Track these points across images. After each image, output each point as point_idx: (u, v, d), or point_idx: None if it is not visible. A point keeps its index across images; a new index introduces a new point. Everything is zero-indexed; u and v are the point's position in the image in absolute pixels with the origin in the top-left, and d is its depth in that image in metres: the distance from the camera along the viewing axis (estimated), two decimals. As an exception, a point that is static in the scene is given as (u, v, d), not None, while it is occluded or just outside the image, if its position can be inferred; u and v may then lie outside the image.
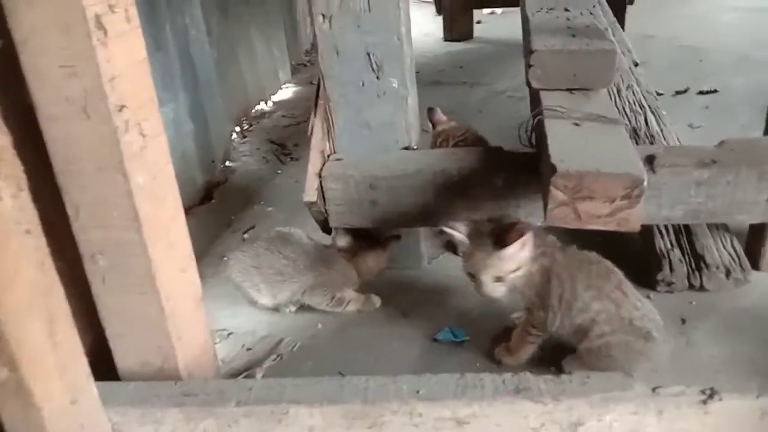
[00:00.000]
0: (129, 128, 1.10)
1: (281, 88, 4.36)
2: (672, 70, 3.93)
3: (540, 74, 1.88)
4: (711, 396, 1.09)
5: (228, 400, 1.15)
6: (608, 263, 1.58)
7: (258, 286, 1.92)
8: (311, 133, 1.96)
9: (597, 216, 1.45)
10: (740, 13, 5.22)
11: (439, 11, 5.35)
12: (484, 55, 4.71)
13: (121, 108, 1.07)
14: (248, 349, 1.85)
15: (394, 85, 1.88)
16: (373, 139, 1.96)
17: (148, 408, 1.17)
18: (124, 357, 1.29)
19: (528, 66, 1.89)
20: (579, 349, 1.56)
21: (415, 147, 1.99)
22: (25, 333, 0.89)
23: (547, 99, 1.82)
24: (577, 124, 1.69)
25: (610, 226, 1.47)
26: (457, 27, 5.12)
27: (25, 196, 0.88)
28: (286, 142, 3.44)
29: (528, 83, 1.92)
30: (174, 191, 1.28)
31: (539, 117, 1.75)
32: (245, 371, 1.73)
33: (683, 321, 1.80)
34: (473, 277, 1.59)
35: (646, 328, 1.49)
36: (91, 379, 1.08)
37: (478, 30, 5.28)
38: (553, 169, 1.43)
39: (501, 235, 1.52)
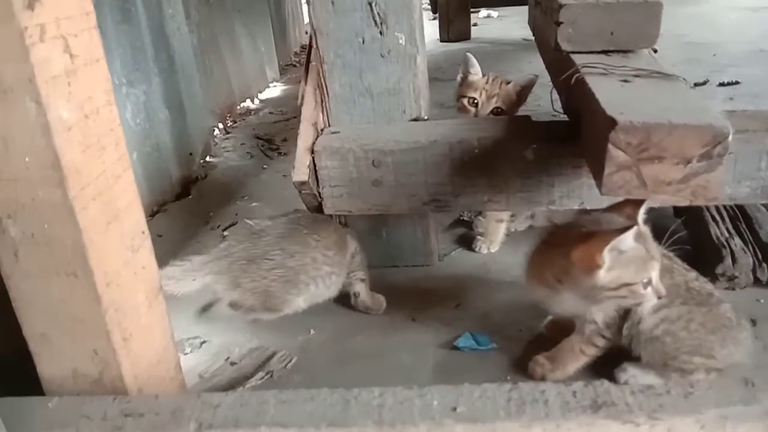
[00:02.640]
0: (45, 38, 0.78)
1: (269, 86, 4.08)
2: (687, 64, 3.68)
3: (572, 33, 1.59)
4: None
5: (185, 423, 0.81)
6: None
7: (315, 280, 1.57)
8: (301, 102, 1.64)
9: (667, 183, 1.14)
10: (744, 12, 5.10)
11: (435, 12, 5.12)
12: (482, 54, 4.42)
13: (32, 3, 0.75)
14: (233, 363, 1.51)
15: (400, 41, 1.57)
16: (376, 108, 1.65)
17: (74, 435, 0.83)
18: (49, 364, 0.95)
19: (556, 24, 1.59)
20: (637, 346, 1.25)
21: (426, 117, 1.67)
22: None
23: (582, 62, 1.52)
24: (626, 81, 1.39)
25: (683, 197, 1.16)
26: (454, 28, 4.93)
27: None
28: (274, 137, 3.13)
29: (556, 47, 1.63)
30: (119, 142, 0.95)
31: (577, 75, 1.45)
32: (229, 390, 1.39)
33: (753, 322, 1.48)
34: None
35: (706, 290, 1.24)
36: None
37: (474, 32, 5.11)
38: (611, 123, 1.12)
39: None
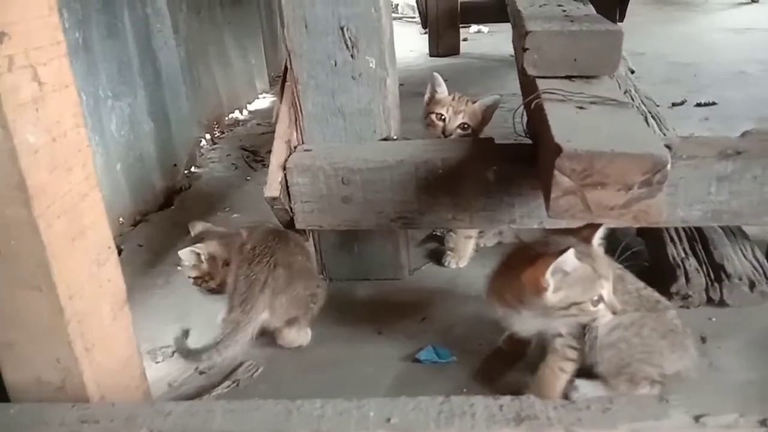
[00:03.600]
0: (13, 68, 0.84)
1: (258, 98, 4.14)
2: (666, 83, 3.77)
3: (537, 59, 1.66)
4: (771, 427, 0.83)
5: (136, 429, 0.87)
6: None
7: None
8: (276, 121, 1.71)
9: (610, 207, 1.21)
10: (726, 33, 5.19)
11: (425, 26, 5.20)
12: (470, 69, 4.55)
13: (1, 37, 0.81)
14: (201, 372, 1.57)
15: (371, 65, 1.64)
16: (347, 127, 1.71)
17: (33, 439, 0.89)
18: (14, 371, 1.01)
19: (522, 50, 1.66)
20: (593, 354, 1.31)
21: (395, 137, 1.74)
22: None
23: (545, 87, 1.59)
24: (582, 108, 1.45)
25: (626, 220, 1.22)
26: (444, 43, 4.99)
27: None
28: (260, 149, 3.18)
29: (522, 71, 1.70)
30: (86, 162, 1.01)
31: (537, 101, 1.52)
32: (196, 399, 1.44)
33: (703, 340, 1.54)
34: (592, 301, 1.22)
35: (654, 297, 1.33)
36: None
37: (464, 47, 5.17)
38: (557, 150, 1.18)
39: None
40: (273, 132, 3.50)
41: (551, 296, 1.20)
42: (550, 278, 1.17)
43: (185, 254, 1.69)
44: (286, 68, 1.73)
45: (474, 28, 5.89)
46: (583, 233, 1.28)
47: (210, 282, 1.72)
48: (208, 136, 3.30)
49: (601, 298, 1.21)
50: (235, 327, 1.48)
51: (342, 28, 1.61)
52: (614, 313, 1.23)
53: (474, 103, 1.93)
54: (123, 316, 1.13)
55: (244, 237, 1.65)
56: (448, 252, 1.97)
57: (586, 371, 1.33)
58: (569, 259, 1.15)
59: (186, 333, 1.52)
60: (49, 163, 0.92)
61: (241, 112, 3.81)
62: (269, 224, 1.71)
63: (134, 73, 2.45)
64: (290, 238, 1.65)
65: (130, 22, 2.41)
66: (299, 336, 1.62)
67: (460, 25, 5.07)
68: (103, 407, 0.94)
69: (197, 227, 1.79)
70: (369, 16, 1.59)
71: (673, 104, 3.36)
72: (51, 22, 0.93)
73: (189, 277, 1.74)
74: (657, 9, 6.43)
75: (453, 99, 1.93)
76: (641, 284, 1.36)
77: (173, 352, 1.64)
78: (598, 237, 1.27)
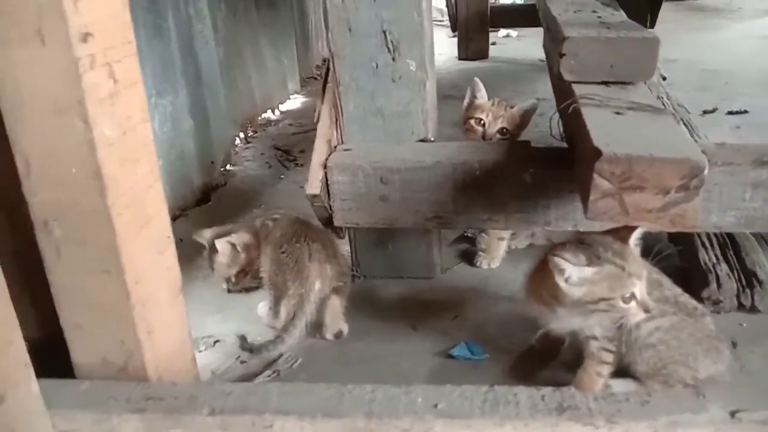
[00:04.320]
0: (95, 65, 0.91)
1: (290, 98, 4.22)
2: (698, 91, 3.76)
3: (573, 65, 1.68)
4: (806, 424, 0.86)
5: (199, 407, 0.93)
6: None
7: None
8: (317, 120, 1.76)
9: (647, 210, 1.24)
10: (759, 40, 5.15)
11: (454, 30, 5.24)
12: (499, 73, 4.57)
13: (86, 37, 0.87)
14: (242, 362, 1.63)
15: (411, 67, 1.69)
16: (386, 128, 1.76)
17: (102, 413, 0.95)
18: (81, 351, 1.07)
19: (560, 55, 1.69)
20: (632, 354, 1.36)
21: (432, 139, 1.78)
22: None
23: (581, 92, 1.62)
24: (619, 113, 1.49)
25: (662, 223, 1.25)
26: (473, 46, 5.03)
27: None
28: (292, 148, 3.26)
29: (558, 76, 1.73)
30: (151, 155, 1.07)
31: (574, 105, 1.55)
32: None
33: (734, 344, 1.56)
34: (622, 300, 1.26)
35: (692, 303, 1.37)
36: (31, 371, 0.86)
37: (492, 51, 5.19)
38: (596, 153, 1.22)
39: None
40: (304, 132, 3.61)
41: (574, 291, 1.25)
42: (560, 279, 1.24)
43: (222, 245, 1.75)
44: (327, 70, 1.79)
45: (503, 32, 5.91)
46: (621, 233, 1.32)
47: (249, 274, 1.79)
48: (242, 135, 3.38)
49: (633, 296, 1.25)
50: (300, 300, 1.59)
51: (384, 32, 1.66)
52: (647, 311, 1.26)
53: (512, 108, 1.97)
54: (178, 303, 1.19)
55: (270, 226, 1.73)
56: (480, 252, 2.01)
57: (619, 371, 1.37)
58: (568, 267, 1.24)
59: (244, 338, 1.65)
60: (121, 155, 0.98)
61: (273, 112, 3.89)
62: (290, 213, 1.82)
63: (177, 72, 2.53)
64: (311, 224, 1.75)
65: (173, 22, 2.49)
66: (342, 314, 1.70)
67: (490, 29, 5.10)
68: (165, 386, 1.00)
69: (205, 234, 1.84)
70: (411, 19, 1.64)
71: (705, 112, 3.36)
72: (124, 20, 1.00)
73: (228, 278, 1.80)
74: (689, 16, 6.39)
75: (492, 104, 1.97)
76: (678, 290, 1.40)
77: (215, 342, 1.71)
78: (635, 237, 1.31)
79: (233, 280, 1.84)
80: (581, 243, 1.30)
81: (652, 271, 1.39)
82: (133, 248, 1.02)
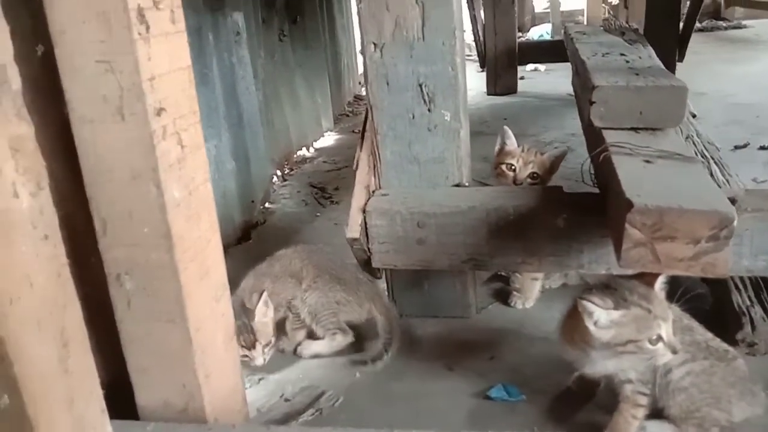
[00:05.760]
0: (167, 135, 1.00)
1: (323, 136, 4.35)
2: (728, 125, 3.77)
3: (603, 112, 1.75)
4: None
5: (257, 449, 1.00)
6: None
7: None
8: (356, 167, 1.85)
9: (679, 259, 1.28)
10: (793, 73, 5.10)
11: (482, 65, 5.33)
12: (528, 108, 4.64)
13: (160, 111, 0.97)
14: (286, 400, 1.70)
15: (446, 117, 1.78)
16: (422, 174, 1.84)
17: (167, 453, 1.03)
18: (145, 394, 1.16)
19: (589, 103, 1.76)
20: (665, 397, 1.40)
21: (467, 184, 1.86)
22: (32, 354, 0.77)
23: (611, 138, 1.68)
24: (648, 161, 1.54)
25: (694, 272, 1.30)
26: (501, 81, 5.10)
27: (46, 196, 0.78)
28: (327, 186, 3.36)
29: (589, 122, 1.79)
30: (210, 212, 1.17)
31: (605, 154, 1.61)
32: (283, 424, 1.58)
33: (770, 387, 1.58)
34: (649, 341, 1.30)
35: (723, 347, 1.41)
36: (106, 415, 0.95)
37: (521, 85, 5.25)
38: (628, 205, 1.28)
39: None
40: (338, 169, 3.70)
41: (603, 333, 1.31)
42: (589, 323, 1.30)
43: (260, 311, 1.73)
44: (365, 120, 1.89)
45: (530, 66, 5.97)
46: (647, 278, 1.37)
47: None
48: (278, 173, 3.50)
49: (659, 338, 1.29)
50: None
51: (420, 85, 1.75)
52: (674, 352, 1.30)
53: (542, 154, 2.04)
54: (232, 348, 1.27)
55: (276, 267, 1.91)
56: (514, 292, 2.06)
57: (655, 413, 1.40)
58: (596, 310, 1.29)
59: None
60: (186, 214, 1.08)
61: (308, 150, 4.02)
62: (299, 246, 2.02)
63: (220, 116, 2.66)
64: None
65: (218, 71, 2.63)
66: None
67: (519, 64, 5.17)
68: (224, 429, 1.08)
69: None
70: (446, 73, 1.73)
71: (736, 147, 3.36)
72: (191, 94, 1.10)
73: (271, 338, 1.76)
74: (718, 47, 6.40)
75: (522, 150, 2.04)
76: (710, 335, 1.43)
77: (259, 380, 1.78)
78: (660, 281, 1.36)
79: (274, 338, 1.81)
80: (608, 287, 1.36)
81: (683, 317, 1.43)
82: (195, 298, 1.11)
